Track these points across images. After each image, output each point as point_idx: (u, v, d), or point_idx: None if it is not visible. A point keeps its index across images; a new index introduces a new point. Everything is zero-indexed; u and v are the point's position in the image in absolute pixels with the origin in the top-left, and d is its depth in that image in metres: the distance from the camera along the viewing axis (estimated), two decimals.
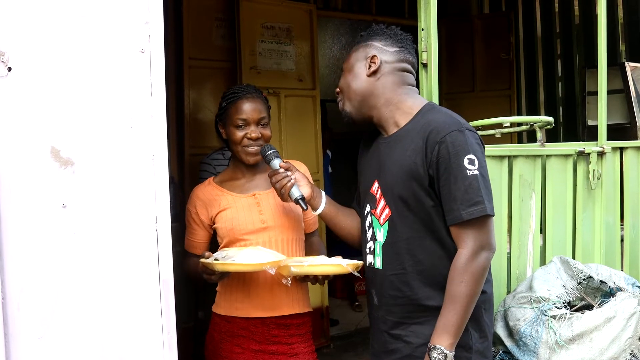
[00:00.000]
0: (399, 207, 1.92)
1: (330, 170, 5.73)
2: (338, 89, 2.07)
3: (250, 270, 2.02)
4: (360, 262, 2.03)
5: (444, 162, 1.82)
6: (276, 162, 2.12)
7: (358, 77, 1.99)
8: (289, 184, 2.07)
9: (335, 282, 5.98)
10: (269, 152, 2.14)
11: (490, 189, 1.88)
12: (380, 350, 2.02)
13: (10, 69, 1.46)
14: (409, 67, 2.02)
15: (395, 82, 1.98)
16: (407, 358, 1.93)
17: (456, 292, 1.82)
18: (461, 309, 1.81)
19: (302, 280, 2.14)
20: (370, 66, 1.97)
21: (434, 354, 1.80)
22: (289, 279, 2.00)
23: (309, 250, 2.34)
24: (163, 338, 1.64)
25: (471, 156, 1.82)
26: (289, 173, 2.09)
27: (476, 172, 1.82)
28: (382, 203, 1.97)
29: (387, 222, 1.95)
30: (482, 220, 1.83)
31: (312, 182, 2.21)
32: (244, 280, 2.19)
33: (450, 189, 1.83)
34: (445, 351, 1.79)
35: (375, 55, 1.97)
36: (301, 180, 2.11)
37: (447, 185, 1.83)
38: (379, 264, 1.99)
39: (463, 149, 1.82)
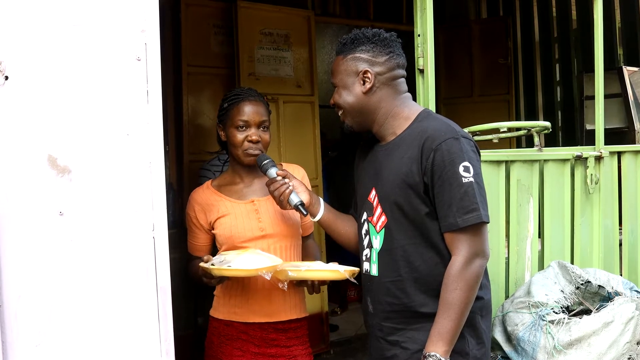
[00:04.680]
0: (395, 214, 1.92)
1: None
2: (333, 102, 2.05)
3: (246, 275, 2.02)
4: (356, 269, 2.03)
5: (439, 169, 1.82)
6: (273, 171, 2.12)
7: (354, 94, 1.98)
8: (287, 191, 2.07)
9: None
10: (265, 161, 2.14)
11: (485, 196, 1.88)
12: (378, 356, 2.01)
13: (7, 77, 1.47)
14: (401, 72, 2.02)
15: (390, 93, 1.98)
16: None
17: (450, 299, 1.82)
18: (455, 316, 1.81)
19: (298, 284, 2.14)
20: (364, 82, 1.96)
21: None
22: (285, 283, 2.00)
23: (304, 254, 2.34)
24: (161, 345, 1.64)
25: (466, 164, 1.82)
26: (286, 180, 2.10)
27: (471, 179, 1.82)
28: (378, 210, 1.97)
29: (384, 229, 1.95)
30: (477, 227, 1.84)
31: (310, 189, 2.22)
32: (242, 286, 2.19)
33: (445, 197, 1.83)
34: (440, 358, 1.79)
35: (367, 71, 1.95)
36: (299, 187, 2.12)
37: (442, 193, 1.83)
38: (374, 271, 1.99)
39: (458, 157, 1.82)
